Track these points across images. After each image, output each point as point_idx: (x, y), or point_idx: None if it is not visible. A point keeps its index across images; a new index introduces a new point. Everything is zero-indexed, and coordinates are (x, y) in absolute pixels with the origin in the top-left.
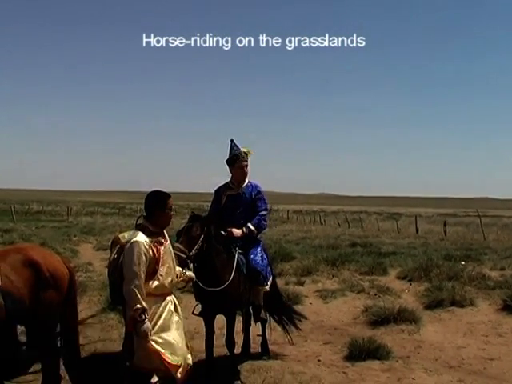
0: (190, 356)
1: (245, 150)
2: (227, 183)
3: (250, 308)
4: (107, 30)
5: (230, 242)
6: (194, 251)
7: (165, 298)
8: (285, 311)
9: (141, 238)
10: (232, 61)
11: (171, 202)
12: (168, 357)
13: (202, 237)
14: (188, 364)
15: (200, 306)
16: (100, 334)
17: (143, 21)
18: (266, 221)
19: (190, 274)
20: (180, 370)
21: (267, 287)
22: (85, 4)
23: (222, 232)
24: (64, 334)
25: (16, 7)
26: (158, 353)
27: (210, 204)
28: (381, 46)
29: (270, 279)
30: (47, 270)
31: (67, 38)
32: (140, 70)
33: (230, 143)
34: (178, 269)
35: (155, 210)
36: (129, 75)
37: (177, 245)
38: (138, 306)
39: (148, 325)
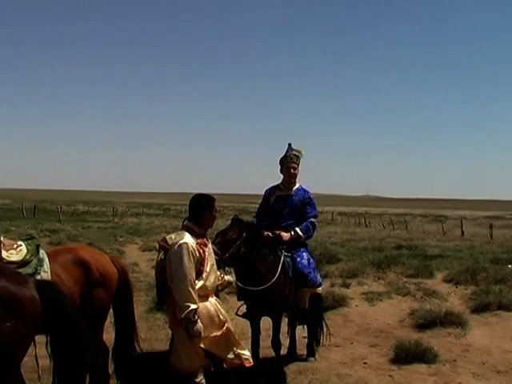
0: (241, 350)
1: (296, 153)
2: (278, 184)
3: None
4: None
5: (276, 245)
6: (227, 254)
7: (207, 299)
8: (319, 317)
9: (188, 239)
10: (278, 63)
11: (216, 205)
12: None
13: (239, 241)
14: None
15: (244, 306)
16: (146, 333)
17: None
18: (314, 228)
19: (228, 278)
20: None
21: (319, 289)
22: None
23: (270, 234)
24: (118, 331)
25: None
26: (201, 350)
27: (255, 205)
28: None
29: (320, 280)
30: (97, 270)
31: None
32: (193, 70)
33: (287, 146)
34: (217, 272)
35: (201, 212)
36: (182, 75)
37: (211, 246)
38: (192, 306)
39: (200, 325)
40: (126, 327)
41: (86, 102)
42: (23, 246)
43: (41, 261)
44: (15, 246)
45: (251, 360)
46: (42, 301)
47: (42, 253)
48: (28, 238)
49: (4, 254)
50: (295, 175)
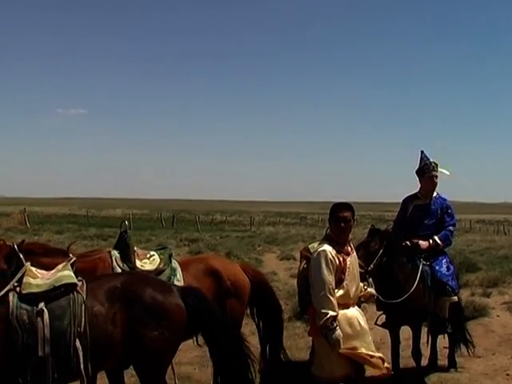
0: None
1: (436, 161)
2: (415, 193)
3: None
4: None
5: (414, 254)
6: (372, 266)
7: (348, 308)
8: (459, 328)
9: (327, 247)
10: (414, 69)
11: (343, 214)
12: (366, 354)
13: (381, 251)
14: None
15: (384, 316)
16: (286, 342)
17: None
18: (453, 236)
19: (371, 290)
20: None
21: (455, 297)
22: None
23: (408, 243)
24: (266, 336)
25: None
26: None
27: (391, 214)
28: None
29: (457, 289)
30: (228, 279)
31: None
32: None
33: (420, 154)
34: (361, 284)
35: (329, 220)
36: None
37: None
38: (331, 313)
39: (339, 332)
40: (272, 333)
41: (221, 114)
42: (156, 255)
43: (174, 270)
44: (148, 255)
45: (390, 368)
46: (186, 308)
47: (175, 262)
48: (160, 248)
49: (138, 263)
50: (436, 184)
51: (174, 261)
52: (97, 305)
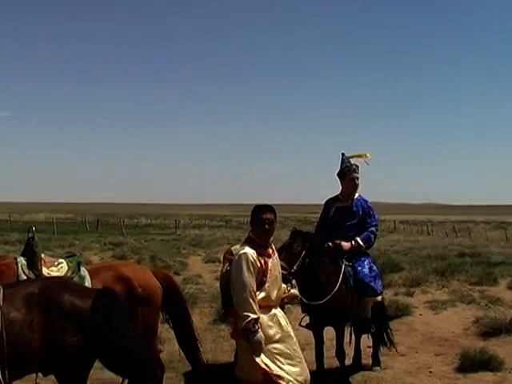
0: (305, 367)
1: (357, 163)
2: (337, 195)
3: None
4: None
5: (337, 255)
6: (295, 267)
7: (270, 310)
8: (384, 327)
9: (248, 250)
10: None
11: (266, 216)
12: (275, 370)
13: (304, 253)
14: (303, 378)
15: (308, 317)
16: (211, 344)
17: None
18: (375, 237)
19: (294, 291)
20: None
21: (379, 297)
22: None
23: (330, 244)
24: (180, 343)
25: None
26: (265, 366)
27: (315, 215)
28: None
29: (381, 289)
30: (139, 286)
31: None
32: (249, 84)
33: (341, 156)
34: (283, 285)
35: (251, 223)
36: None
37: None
38: (252, 315)
39: (261, 334)
40: (185, 339)
41: (142, 116)
42: (64, 263)
43: (82, 278)
44: (56, 263)
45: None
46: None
47: (83, 270)
48: (69, 256)
49: (45, 270)
50: (357, 186)
51: (82, 268)
52: (13, 311)
